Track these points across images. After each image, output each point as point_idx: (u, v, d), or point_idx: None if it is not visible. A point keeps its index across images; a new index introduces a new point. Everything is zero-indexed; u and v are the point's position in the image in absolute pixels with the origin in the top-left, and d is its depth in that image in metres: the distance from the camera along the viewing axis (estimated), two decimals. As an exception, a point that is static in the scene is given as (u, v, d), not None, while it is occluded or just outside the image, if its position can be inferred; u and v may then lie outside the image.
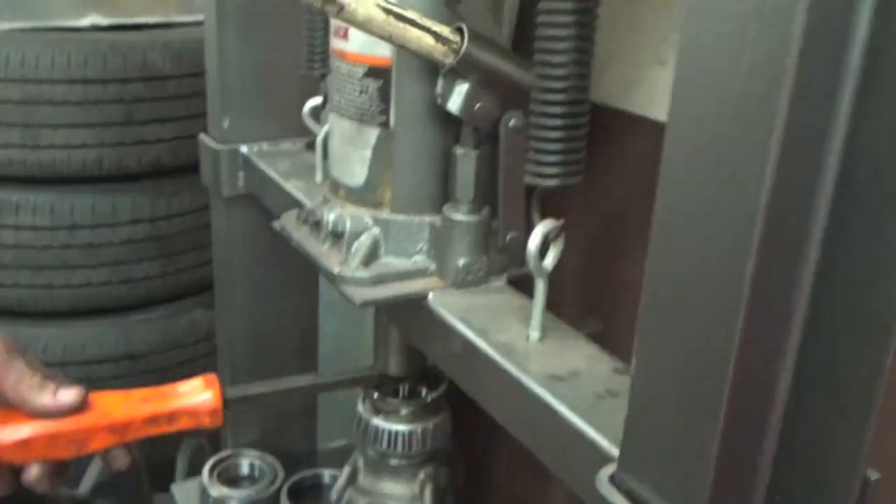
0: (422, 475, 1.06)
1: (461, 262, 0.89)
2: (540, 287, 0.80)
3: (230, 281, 1.38)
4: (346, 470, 1.07)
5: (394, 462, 1.07)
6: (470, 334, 0.83)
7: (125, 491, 1.59)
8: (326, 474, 1.48)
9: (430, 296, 0.89)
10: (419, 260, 0.92)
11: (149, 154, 2.17)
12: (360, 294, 0.87)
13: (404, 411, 1.04)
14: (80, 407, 0.92)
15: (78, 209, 2.16)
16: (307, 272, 1.45)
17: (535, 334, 0.82)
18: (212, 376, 1.00)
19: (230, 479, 1.45)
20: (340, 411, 2.28)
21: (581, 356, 0.80)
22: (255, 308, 1.42)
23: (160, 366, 2.27)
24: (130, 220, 2.20)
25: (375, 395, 1.04)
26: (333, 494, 1.06)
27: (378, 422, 1.05)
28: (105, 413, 0.95)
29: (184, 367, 2.34)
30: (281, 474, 1.45)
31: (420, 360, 1.05)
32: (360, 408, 1.07)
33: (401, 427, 1.04)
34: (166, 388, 1.00)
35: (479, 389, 0.83)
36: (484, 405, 0.83)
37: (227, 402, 0.99)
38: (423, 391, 1.06)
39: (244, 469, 1.47)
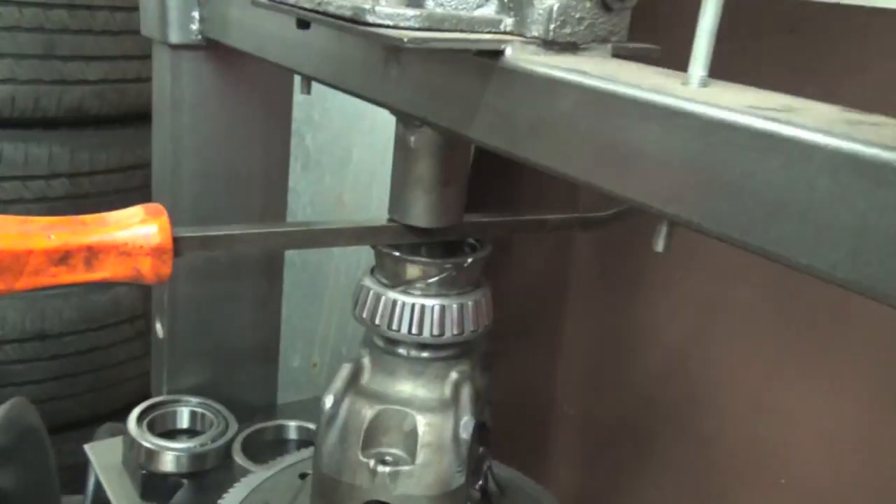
0: (454, 375, 0.71)
1: (555, 4, 0.56)
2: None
3: (173, 165, 1.01)
4: (346, 370, 0.71)
5: (413, 354, 0.71)
6: (595, 82, 0.50)
7: (25, 458, 1.18)
8: (293, 426, 1.10)
9: (508, 50, 0.56)
10: (487, 12, 0.59)
11: (70, 96, 1.81)
12: (407, 33, 0.53)
13: (434, 279, 0.69)
14: None
15: (-18, 157, 1.80)
16: (276, 135, 1.07)
17: (697, 73, 0.49)
18: (157, 205, 0.64)
19: (166, 433, 1.07)
20: (298, 371, 1.90)
21: (779, 97, 0.48)
22: (205, 207, 1.05)
23: (75, 349, 1.92)
24: (46, 174, 1.83)
25: (395, 254, 0.69)
26: (326, 403, 0.69)
27: (396, 295, 0.69)
28: None
29: (105, 352, 1.99)
30: (234, 425, 1.07)
31: (457, 208, 0.70)
32: (368, 280, 0.71)
33: (429, 301, 0.69)
34: (88, 217, 0.63)
35: (619, 166, 0.49)
36: (622, 192, 0.49)
37: (178, 244, 0.62)
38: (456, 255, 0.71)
39: (184, 420, 1.09)
